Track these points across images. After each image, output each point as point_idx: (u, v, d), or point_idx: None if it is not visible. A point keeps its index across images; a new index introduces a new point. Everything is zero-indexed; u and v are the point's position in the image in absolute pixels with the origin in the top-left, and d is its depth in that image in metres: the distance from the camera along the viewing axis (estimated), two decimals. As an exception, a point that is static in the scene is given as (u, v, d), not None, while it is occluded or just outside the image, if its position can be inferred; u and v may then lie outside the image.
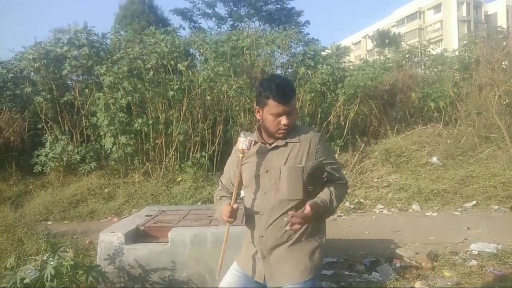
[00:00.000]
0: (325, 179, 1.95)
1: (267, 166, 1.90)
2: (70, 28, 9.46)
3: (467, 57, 11.17)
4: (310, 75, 9.88)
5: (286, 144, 1.91)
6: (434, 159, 8.79)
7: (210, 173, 8.90)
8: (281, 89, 1.84)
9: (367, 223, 6.76)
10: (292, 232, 1.85)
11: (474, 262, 4.41)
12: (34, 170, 8.94)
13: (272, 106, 1.84)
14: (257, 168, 1.92)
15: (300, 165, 1.87)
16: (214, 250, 3.40)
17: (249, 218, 1.98)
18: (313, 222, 1.85)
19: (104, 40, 9.99)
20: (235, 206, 1.89)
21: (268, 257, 1.89)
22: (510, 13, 48.52)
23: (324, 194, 1.91)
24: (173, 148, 8.93)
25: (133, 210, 7.49)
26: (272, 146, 1.92)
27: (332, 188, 1.94)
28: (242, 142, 1.90)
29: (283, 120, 1.84)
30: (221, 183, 2.18)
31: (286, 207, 1.86)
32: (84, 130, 9.47)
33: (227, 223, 1.94)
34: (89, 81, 9.65)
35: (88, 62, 9.19)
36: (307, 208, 1.77)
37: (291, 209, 1.84)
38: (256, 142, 1.96)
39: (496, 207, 7.15)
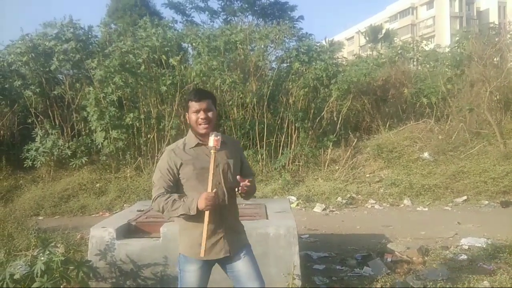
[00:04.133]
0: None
1: (217, 162, 2.28)
2: (57, 22, 9.31)
3: (459, 53, 11.23)
4: (304, 70, 9.87)
5: (223, 144, 2.31)
6: (426, 154, 8.85)
7: (202, 168, 8.86)
8: (196, 91, 2.40)
9: (359, 218, 6.80)
10: (235, 213, 2.45)
11: (464, 257, 4.45)
12: (25, 165, 8.84)
13: (191, 106, 2.32)
14: (207, 165, 2.25)
15: (239, 160, 2.44)
16: (206, 245, 3.39)
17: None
18: (250, 195, 2.41)
19: (90, 33, 9.81)
20: (214, 191, 2.19)
21: (227, 234, 2.33)
22: (502, 9, 48.80)
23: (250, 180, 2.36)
24: (166, 143, 8.87)
25: (125, 205, 7.45)
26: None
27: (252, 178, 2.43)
28: (218, 141, 2.22)
29: (201, 114, 2.28)
30: (163, 187, 2.29)
31: (233, 192, 2.38)
32: (75, 124, 9.39)
33: (207, 211, 2.16)
34: (80, 75, 9.54)
35: (76, 56, 9.07)
36: (246, 181, 2.23)
37: (235, 194, 2.40)
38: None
39: (487, 202, 7.23)
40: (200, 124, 2.29)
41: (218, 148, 2.23)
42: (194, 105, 2.30)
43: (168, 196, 2.24)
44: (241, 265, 2.36)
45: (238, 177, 2.24)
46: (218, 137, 2.23)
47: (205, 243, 2.17)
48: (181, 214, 2.20)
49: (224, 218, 2.32)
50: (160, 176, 2.32)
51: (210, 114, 2.31)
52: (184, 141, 2.41)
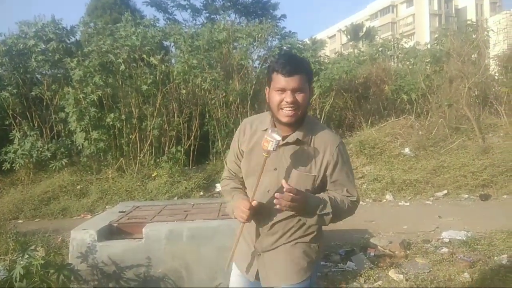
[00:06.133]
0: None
1: (276, 164, 1.69)
2: (37, 21, 9.08)
3: (438, 50, 11.43)
4: (286, 68, 9.85)
5: (298, 142, 1.69)
6: (407, 150, 8.98)
7: (186, 167, 8.81)
8: (286, 60, 1.63)
9: (343, 214, 6.85)
10: (290, 235, 1.74)
11: (445, 250, 4.54)
12: (3, 168, 8.62)
13: (276, 79, 1.63)
14: (264, 163, 1.67)
15: (312, 174, 1.69)
16: (190, 245, 3.38)
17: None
18: (303, 216, 1.69)
19: (72, 33, 9.61)
20: (254, 203, 1.67)
21: (263, 255, 1.77)
22: (479, 7, 49.98)
23: (323, 194, 1.72)
24: (148, 143, 8.79)
25: (107, 207, 7.33)
26: (284, 142, 1.68)
27: (336, 195, 1.73)
28: (269, 142, 1.59)
29: (287, 97, 1.61)
30: (228, 169, 1.95)
31: (290, 212, 1.65)
32: (54, 125, 9.19)
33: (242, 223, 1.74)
34: (58, 75, 9.33)
35: (56, 55, 8.87)
36: (290, 190, 1.56)
37: (294, 215, 1.69)
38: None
39: (466, 195, 7.38)
40: (282, 109, 1.64)
41: (272, 152, 1.61)
42: (279, 80, 1.62)
43: (227, 183, 1.89)
44: None
45: (283, 181, 1.59)
46: (274, 139, 1.58)
47: (232, 256, 1.81)
48: None
49: (262, 238, 1.77)
50: (229, 156, 1.93)
51: (300, 97, 1.63)
52: (261, 117, 1.81)
